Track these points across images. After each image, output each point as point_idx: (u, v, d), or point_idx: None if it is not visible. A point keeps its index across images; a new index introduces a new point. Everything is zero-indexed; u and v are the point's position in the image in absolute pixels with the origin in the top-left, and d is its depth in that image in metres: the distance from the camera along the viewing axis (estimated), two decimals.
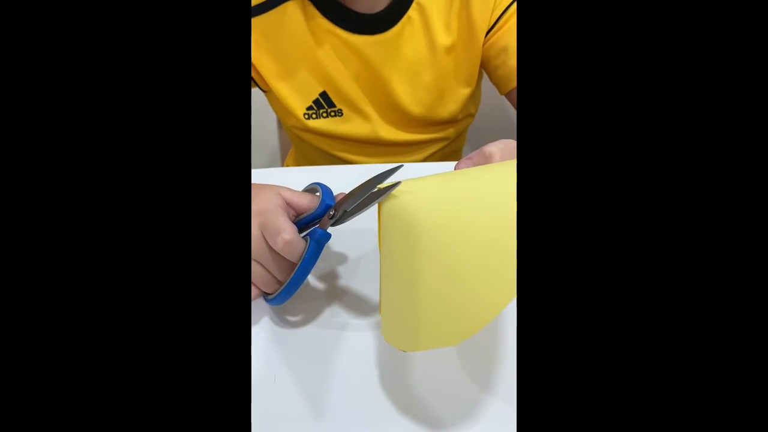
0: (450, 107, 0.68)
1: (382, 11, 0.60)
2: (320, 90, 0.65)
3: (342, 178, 0.41)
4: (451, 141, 0.74)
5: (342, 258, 0.47)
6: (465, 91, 0.68)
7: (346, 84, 0.64)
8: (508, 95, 0.67)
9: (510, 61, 0.63)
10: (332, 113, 0.67)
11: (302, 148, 0.76)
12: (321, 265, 0.47)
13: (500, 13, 0.61)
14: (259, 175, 0.57)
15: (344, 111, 0.67)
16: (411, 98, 0.66)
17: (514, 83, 0.64)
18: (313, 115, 0.67)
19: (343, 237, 0.49)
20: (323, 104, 0.66)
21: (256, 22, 0.61)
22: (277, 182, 0.43)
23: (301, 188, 0.44)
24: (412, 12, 0.61)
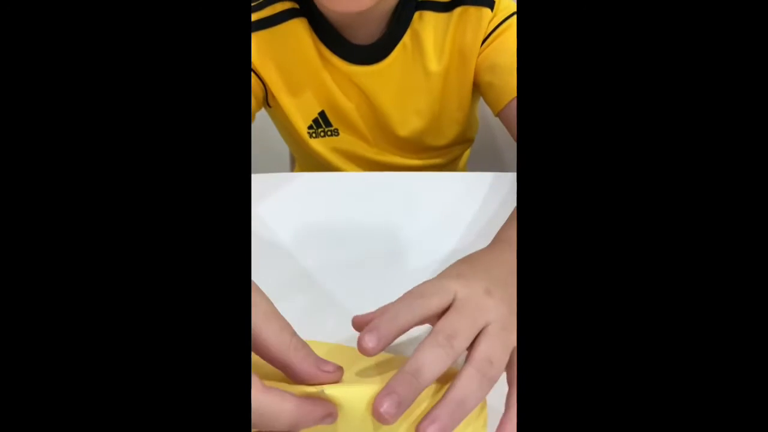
0: (443, 131, 0.69)
1: (378, 41, 0.61)
2: (319, 109, 0.67)
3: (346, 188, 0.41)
4: (444, 166, 0.75)
5: (351, 266, 0.48)
6: (457, 115, 0.68)
7: (343, 106, 0.65)
8: (499, 115, 0.64)
9: (496, 80, 0.61)
10: (329, 132, 0.68)
11: (304, 164, 0.77)
12: (329, 271, 0.47)
13: (489, 31, 0.60)
14: (264, 180, 0.57)
15: (340, 131, 0.68)
16: (402, 123, 0.67)
17: (503, 103, 0.61)
18: (313, 134, 0.69)
19: (350, 244, 0.49)
20: (321, 123, 0.68)
21: (262, 35, 0.61)
22: (282, 188, 0.42)
23: (306, 193, 0.43)
24: (407, 38, 0.61)
